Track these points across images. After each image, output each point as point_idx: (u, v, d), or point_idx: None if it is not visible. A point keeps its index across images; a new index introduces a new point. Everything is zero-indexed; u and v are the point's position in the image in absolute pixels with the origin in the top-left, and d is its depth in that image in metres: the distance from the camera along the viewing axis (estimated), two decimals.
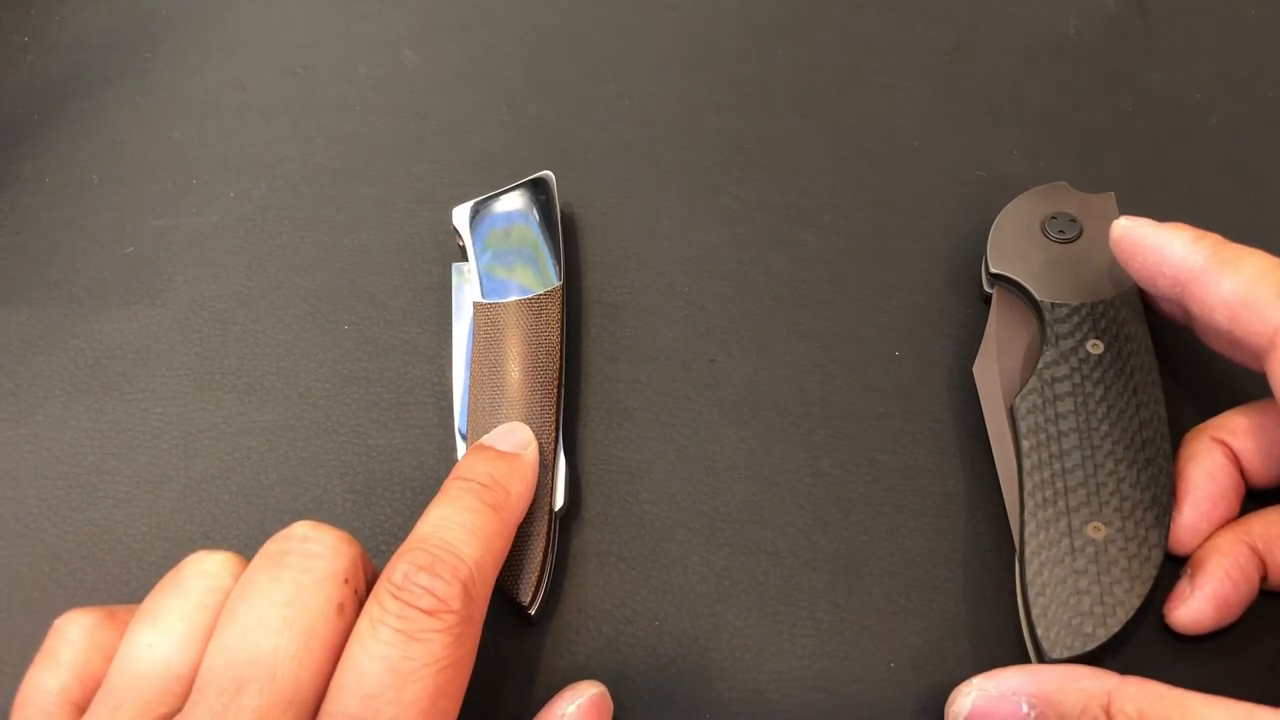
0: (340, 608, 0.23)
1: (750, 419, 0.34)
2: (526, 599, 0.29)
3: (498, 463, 0.28)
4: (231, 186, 0.40)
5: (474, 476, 0.27)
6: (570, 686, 0.28)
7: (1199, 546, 0.29)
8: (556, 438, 0.31)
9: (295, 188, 0.40)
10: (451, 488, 0.27)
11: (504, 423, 0.31)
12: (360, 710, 0.22)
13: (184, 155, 0.41)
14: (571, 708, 0.27)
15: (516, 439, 0.29)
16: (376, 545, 0.32)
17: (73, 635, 0.24)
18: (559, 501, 0.31)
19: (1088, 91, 0.42)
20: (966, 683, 0.27)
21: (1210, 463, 0.30)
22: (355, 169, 0.40)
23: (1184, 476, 0.30)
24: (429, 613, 0.23)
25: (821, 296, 0.36)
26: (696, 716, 0.29)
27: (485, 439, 0.30)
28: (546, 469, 0.31)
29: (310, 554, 0.24)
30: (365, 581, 0.25)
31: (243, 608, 0.23)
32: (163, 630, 0.23)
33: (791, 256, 0.37)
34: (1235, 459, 0.30)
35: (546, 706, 0.27)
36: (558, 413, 0.32)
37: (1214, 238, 0.29)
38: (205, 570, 0.24)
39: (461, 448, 0.32)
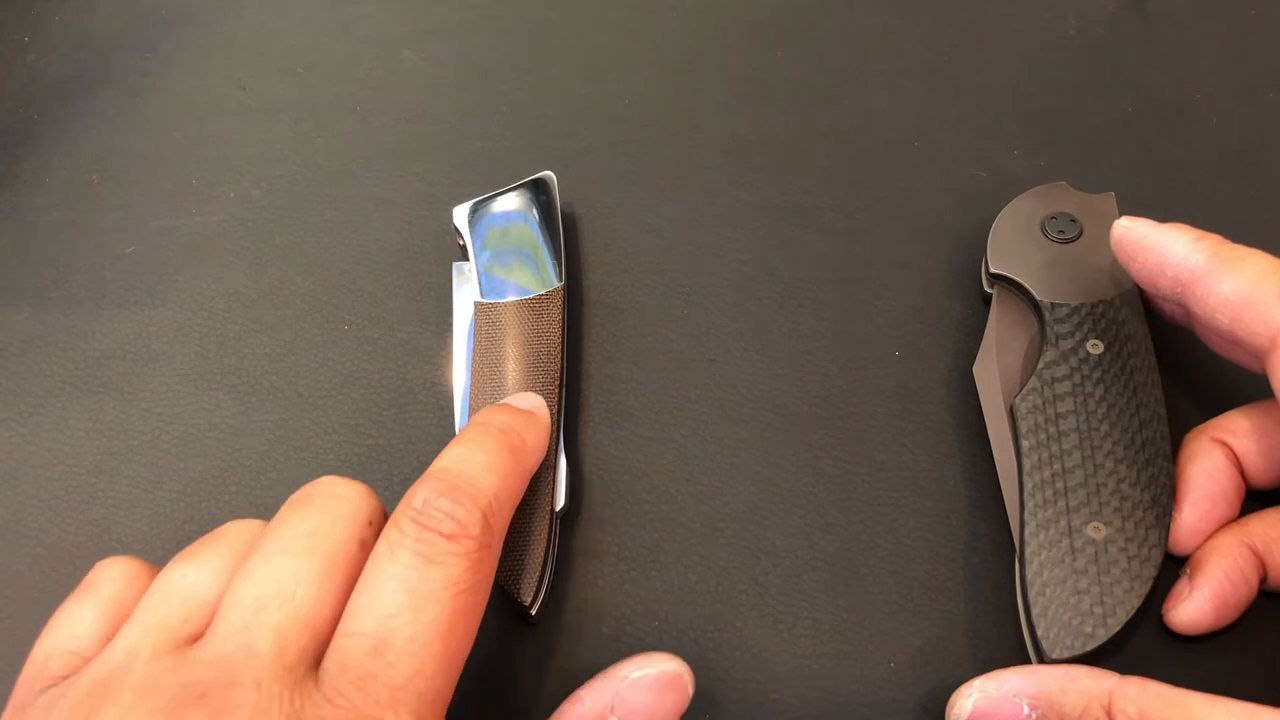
0: (362, 543, 0.24)
1: (750, 419, 0.34)
2: (527, 599, 0.29)
3: (515, 414, 0.28)
4: (231, 186, 0.40)
5: (491, 422, 0.27)
6: (645, 654, 0.26)
7: (1199, 547, 0.29)
8: (556, 438, 0.31)
9: (295, 188, 0.40)
10: (470, 430, 0.27)
11: None
12: (377, 629, 0.22)
13: (184, 155, 0.41)
14: (636, 673, 0.25)
15: (530, 402, 0.30)
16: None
17: (114, 574, 0.25)
18: (559, 501, 0.31)
19: (1088, 91, 0.42)
20: (967, 684, 0.27)
21: (1210, 463, 0.30)
22: (355, 169, 0.40)
23: (1184, 477, 0.30)
24: (449, 536, 0.23)
25: (821, 296, 0.36)
26: (697, 716, 0.29)
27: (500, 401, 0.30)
28: (547, 469, 0.31)
29: (337, 495, 0.24)
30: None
31: (268, 539, 0.24)
32: (196, 564, 0.24)
33: (791, 256, 0.37)
34: (1236, 460, 0.30)
35: (612, 668, 0.26)
36: (558, 413, 0.32)
37: (1215, 238, 0.29)
38: (241, 528, 0.25)
39: None
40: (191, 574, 0.24)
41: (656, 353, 0.35)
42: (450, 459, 0.25)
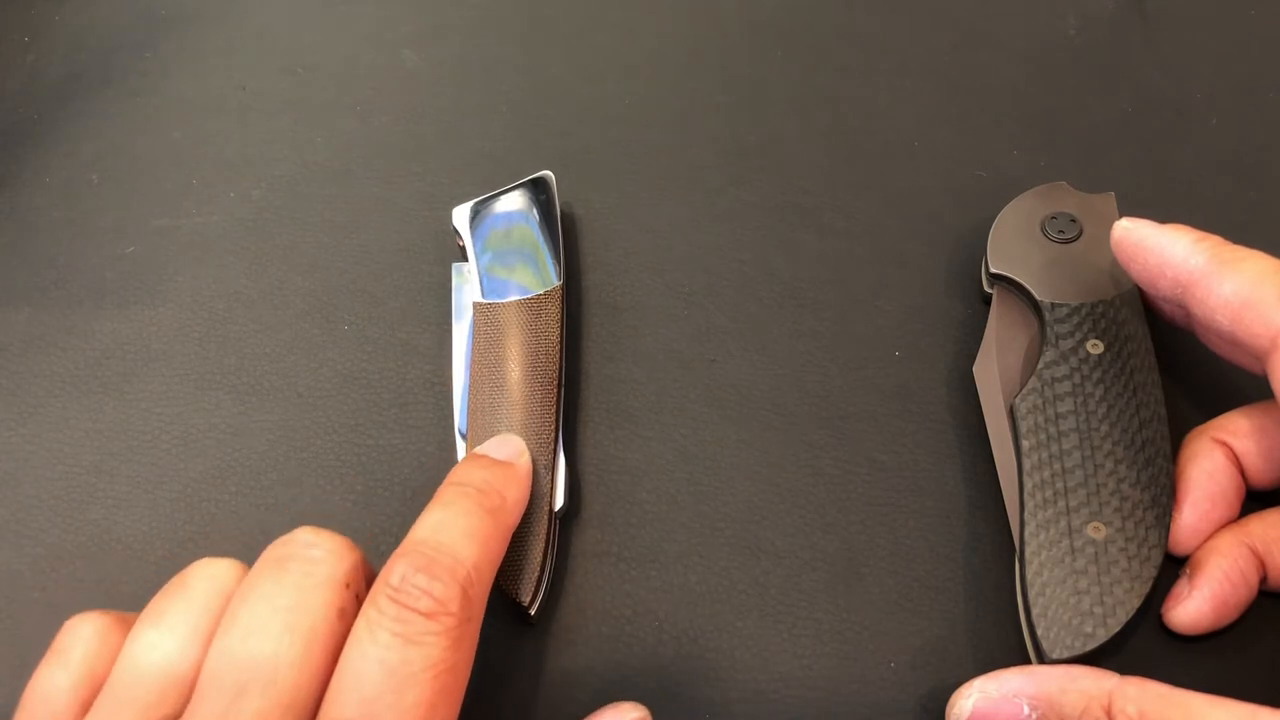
0: (341, 612, 0.23)
1: (750, 419, 0.34)
2: (526, 599, 0.29)
3: (493, 469, 0.28)
4: (231, 186, 0.40)
5: (469, 481, 0.27)
6: (613, 705, 0.27)
7: (1198, 547, 0.29)
8: (556, 438, 0.31)
9: (295, 188, 0.40)
10: (447, 492, 0.27)
11: (504, 423, 0.31)
12: (358, 714, 0.22)
13: (184, 155, 0.41)
14: None
15: (510, 449, 0.29)
16: (377, 545, 0.32)
17: (84, 634, 0.24)
18: (559, 501, 0.31)
19: (1088, 91, 0.42)
20: (968, 684, 0.27)
21: (1211, 463, 0.30)
22: (355, 169, 0.40)
23: (1184, 477, 0.30)
24: (427, 615, 0.23)
25: (821, 296, 0.36)
26: (696, 716, 0.29)
27: (478, 449, 0.30)
28: (546, 469, 0.31)
29: (312, 559, 0.24)
30: (366, 586, 0.25)
31: (244, 611, 0.23)
32: (166, 631, 0.23)
33: (791, 256, 0.37)
34: (1236, 460, 0.30)
35: None
36: (558, 413, 0.32)
37: (1215, 239, 0.29)
38: (210, 574, 0.24)
39: (461, 447, 0.32)
40: (162, 645, 0.23)
41: (656, 353, 0.35)
42: (427, 527, 0.25)
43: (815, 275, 0.37)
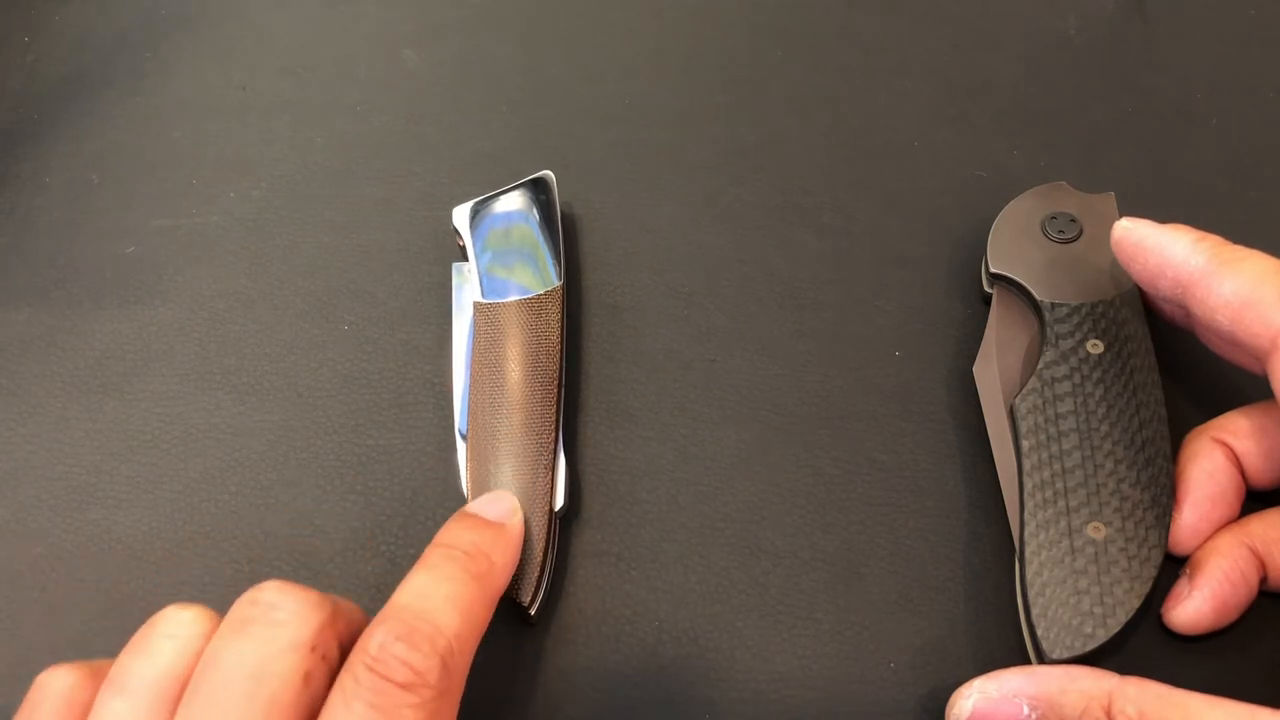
0: (307, 677, 0.23)
1: (750, 419, 0.34)
2: (526, 599, 0.29)
3: (482, 531, 0.27)
4: (231, 186, 0.40)
5: (457, 544, 0.26)
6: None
7: (1199, 547, 0.29)
8: (556, 438, 0.31)
9: (295, 188, 0.40)
10: (433, 555, 0.26)
11: (504, 423, 0.31)
12: None
13: (184, 155, 0.41)
14: None
15: (502, 508, 0.29)
16: (376, 545, 0.32)
17: (51, 693, 0.24)
18: (559, 501, 0.31)
19: (1088, 91, 0.42)
20: (967, 684, 0.27)
21: (1211, 463, 0.30)
22: (355, 169, 0.40)
23: (1184, 477, 0.30)
24: (404, 686, 0.22)
25: (821, 296, 0.36)
26: (696, 716, 0.29)
27: (469, 506, 0.29)
28: (546, 469, 0.31)
29: (276, 621, 0.23)
30: (338, 644, 0.24)
31: (207, 681, 0.23)
32: (130, 697, 0.23)
33: (791, 256, 0.37)
34: (1236, 460, 0.30)
35: None
36: (558, 413, 0.32)
37: (1215, 239, 0.29)
38: (174, 633, 0.24)
39: (461, 448, 0.32)
40: (125, 714, 0.23)
41: (656, 353, 0.35)
42: (410, 592, 0.25)
43: (815, 275, 0.37)
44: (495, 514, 0.28)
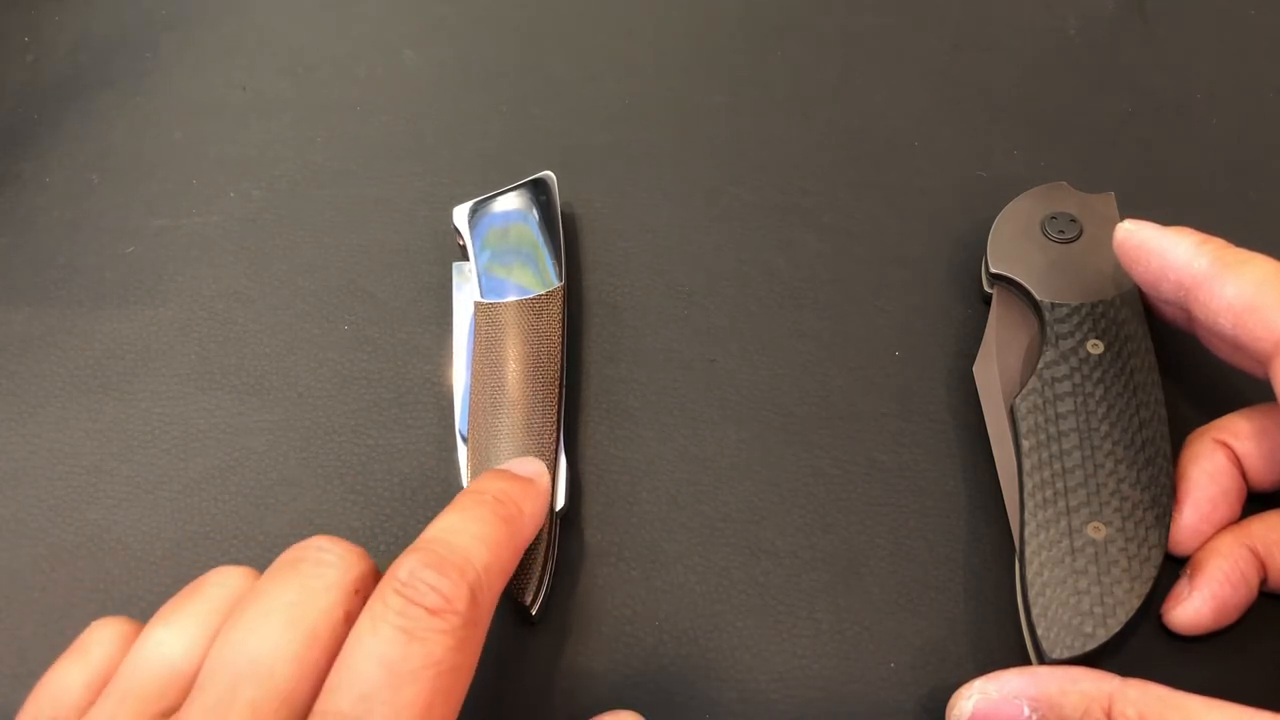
0: (347, 615, 0.23)
1: (750, 419, 0.34)
2: (527, 599, 0.29)
3: (512, 482, 0.27)
4: (231, 186, 0.40)
5: (487, 489, 0.27)
6: (611, 713, 0.27)
7: (1199, 548, 0.29)
8: (556, 438, 0.31)
9: (295, 188, 0.40)
10: (463, 498, 0.26)
11: (504, 423, 0.31)
12: (353, 710, 0.21)
13: (184, 155, 0.41)
14: None
15: (530, 468, 0.29)
16: (376, 545, 0.32)
17: (106, 637, 0.24)
18: (559, 501, 0.31)
19: (1088, 91, 0.42)
20: (968, 685, 0.27)
21: (1212, 464, 0.30)
22: (355, 169, 0.40)
23: (1185, 477, 0.30)
24: (433, 611, 0.23)
25: (821, 296, 0.36)
26: (696, 716, 0.29)
27: (500, 465, 0.29)
28: (546, 470, 0.30)
29: (322, 562, 0.24)
30: None
31: (249, 608, 0.23)
32: (174, 630, 0.23)
33: (791, 256, 0.37)
34: (1237, 461, 0.30)
35: None
36: (558, 413, 0.32)
37: (1218, 242, 0.28)
38: (223, 581, 0.25)
39: (461, 448, 0.32)
40: (169, 641, 0.23)
41: (656, 353, 0.35)
42: (441, 528, 0.25)
43: (815, 275, 0.37)
44: (524, 472, 0.29)
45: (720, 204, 0.39)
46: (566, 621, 0.30)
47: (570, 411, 0.34)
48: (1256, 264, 0.27)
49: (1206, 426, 0.31)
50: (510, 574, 0.26)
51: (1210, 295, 0.28)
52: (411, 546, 0.24)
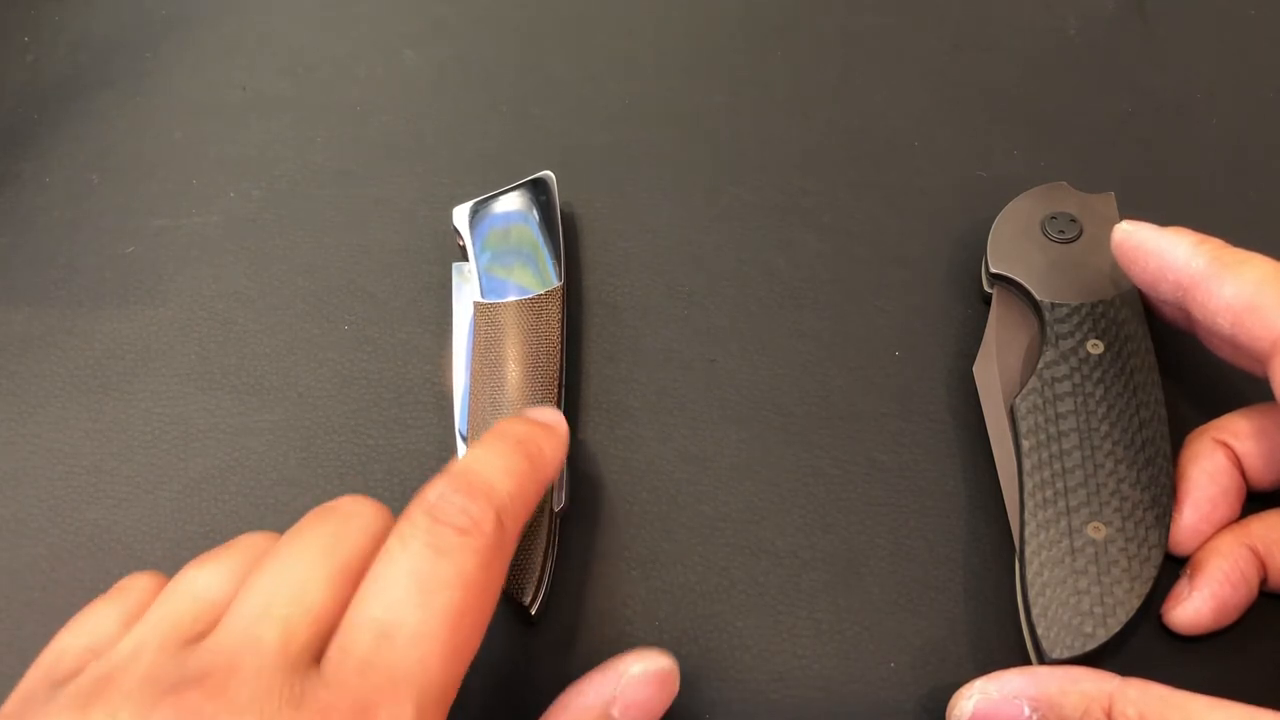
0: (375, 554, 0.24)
1: (750, 419, 0.34)
2: (527, 599, 0.29)
3: (532, 425, 0.28)
4: (231, 186, 0.40)
5: (510, 430, 0.27)
6: (640, 650, 0.27)
7: (1199, 548, 0.29)
8: None
9: (295, 188, 0.40)
10: (487, 436, 0.27)
11: None
12: (384, 616, 0.22)
13: (184, 155, 0.41)
14: (637, 668, 0.26)
15: (549, 415, 0.29)
16: None
17: (143, 583, 0.25)
18: (559, 501, 0.31)
19: (1088, 91, 0.42)
20: (968, 685, 0.27)
21: (1211, 464, 0.30)
22: (355, 169, 0.40)
23: (1185, 478, 0.30)
24: (461, 530, 0.23)
25: (821, 296, 0.36)
26: (696, 716, 0.29)
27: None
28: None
29: (356, 512, 0.24)
30: None
31: (285, 540, 0.24)
32: (212, 568, 0.24)
33: (791, 256, 0.37)
34: (1237, 461, 0.30)
35: (611, 662, 0.26)
36: None
37: (1216, 242, 0.29)
38: (256, 538, 0.25)
39: (461, 448, 0.32)
40: (203, 578, 0.24)
41: (656, 353, 0.35)
42: (468, 460, 0.26)
43: (815, 275, 0.37)
44: (544, 419, 0.29)
45: (720, 204, 0.39)
46: (566, 621, 0.30)
47: (570, 411, 0.34)
48: (1255, 264, 0.27)
49: (1206, 426, 0.31)
50: (533, 508, 0.26)
51: (1208, 295, 0.28)
52: (440, 474, 0.25)
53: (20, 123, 0.42)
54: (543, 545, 0.30)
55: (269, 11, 0.45)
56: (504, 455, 0.26)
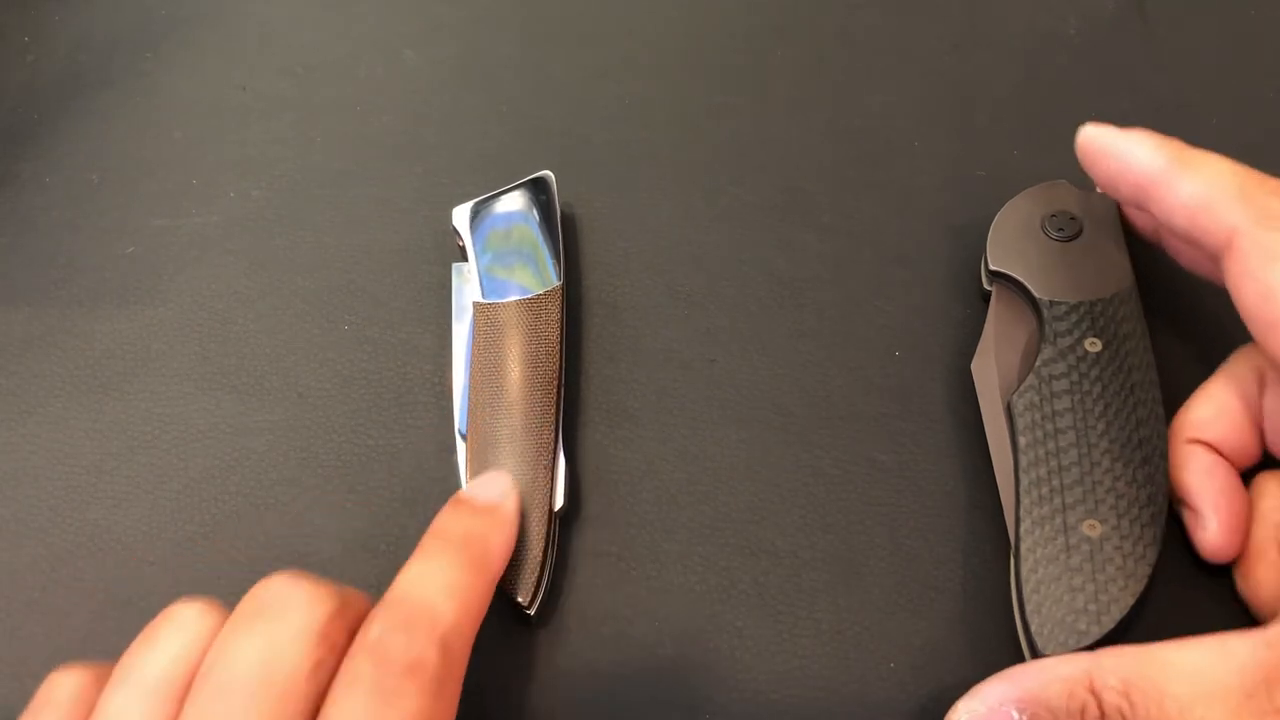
0: (317, 665, 0.23)
1: (750, 419, 0.34)
2: (526, 599, 0.29)
3: (476, 518, 0.27)
4: (231, 186, 0.40)
5: (452, 532, 0.27)
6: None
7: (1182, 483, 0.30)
8: (556, 438, 0.31)
9: (295, 188, 0.40)
10: (429, 544, 0.26)
11: (504, 423, 0.31)
12: None
13: (184, 155, 0.41)
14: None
15: (496, 490, 0.29)
16: (376, 545, 0.32)
17: (60, 692, 0.24)
18: (559, 501, 0.31)
19: (1088, 91, 0.42)
20: (952, 711, 0.26)
21: (1200, 465, 0.29)
22: (355, 169, 0.40)
23: (1186, 488, 0.29)
24: (406, 670, 0.22)
25: (821, 296, 0.36)
26: (696, 716, 0.29)
27: (463, 491, 0.29)
28: (546, 469, 0.31)
29: (285, 612, 0.23)
30: (348, 633, 0.24)
31: (215, 672, 0.22)
32: (134, 690, 0.23)
33: (791, 256, 0.37)
34: (1216, 449, 0.30)
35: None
36: (558, 413, 0.32)
37: (1176, 142, 0.29)
38: (182, 626, 0.24)
39: (461, 448, 0.32)
40: (132, 707, 0.23)
41: (656, 353, 0.35)
42: (407, 582, 0.25)
43: (815, 275, 0.37)
44: (489, 496, 0.28)
45: (720, 204, 0.39)
46: (566, 621, 0.30)
47: (570, 411, 0.34)
48: (1211, 162, 0.28)
49: (1173, 428, 0.30)
50: (483, 616, 0.26)
51: (1166, 194, 0.28)
52: (379, 605, 0.24)
53: (20, 123, 0.42)
54: (542, 545, 0.30)
55: (269, 11, 0.45)
56: (444, 569, 0.25)
